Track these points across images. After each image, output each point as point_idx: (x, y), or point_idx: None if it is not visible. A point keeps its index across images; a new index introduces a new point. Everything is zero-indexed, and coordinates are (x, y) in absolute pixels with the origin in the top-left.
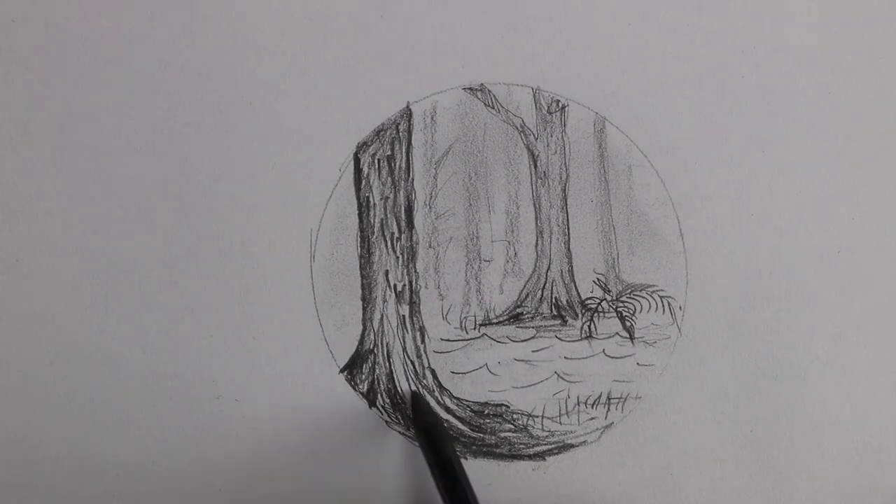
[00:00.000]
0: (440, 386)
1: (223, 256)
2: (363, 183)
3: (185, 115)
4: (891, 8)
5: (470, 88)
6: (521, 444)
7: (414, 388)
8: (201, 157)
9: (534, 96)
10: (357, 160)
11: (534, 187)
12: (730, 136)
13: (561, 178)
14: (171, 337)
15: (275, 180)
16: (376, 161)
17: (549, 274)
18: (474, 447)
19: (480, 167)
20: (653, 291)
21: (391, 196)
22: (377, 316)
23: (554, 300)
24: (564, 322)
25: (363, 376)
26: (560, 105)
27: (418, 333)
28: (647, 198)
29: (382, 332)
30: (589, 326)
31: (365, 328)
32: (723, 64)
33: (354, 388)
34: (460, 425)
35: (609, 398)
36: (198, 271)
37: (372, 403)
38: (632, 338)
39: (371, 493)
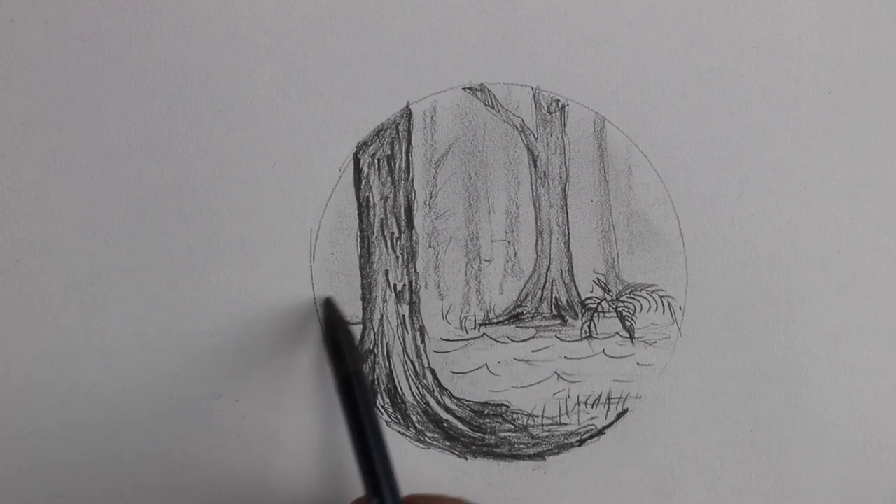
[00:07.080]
0: (440, 386)
1: (223, 256)
2: (363, 183)
3: (185, 115)
4: (891, 8)
5: (470, 88)
6: (521, 444)
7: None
8: (201, 157)
9: (534, 96)
10: (357, 160)
11: (534, 187)
12: (730, 136)
13: (561, 177)
14: (171, 337)
15: (275, 180)
16: (376, 161)
17: (549, 274)
18: (474, 447)
19: (480, 167)
20: (653, 291)
21: (391, 196)
22: (377, 316)
23: (554, 300)
24: (564, 322)
25: None
26: (560, 105)
27: (418, 333)
28: (647, 198)
29: (382, 332)
30: (589, 326)
31: (365, 328)
32: (723, 64)
33: None
34: (460, 425)
35: (609, 398)
36: (198, 271)
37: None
38: (632, 338)
39: None
